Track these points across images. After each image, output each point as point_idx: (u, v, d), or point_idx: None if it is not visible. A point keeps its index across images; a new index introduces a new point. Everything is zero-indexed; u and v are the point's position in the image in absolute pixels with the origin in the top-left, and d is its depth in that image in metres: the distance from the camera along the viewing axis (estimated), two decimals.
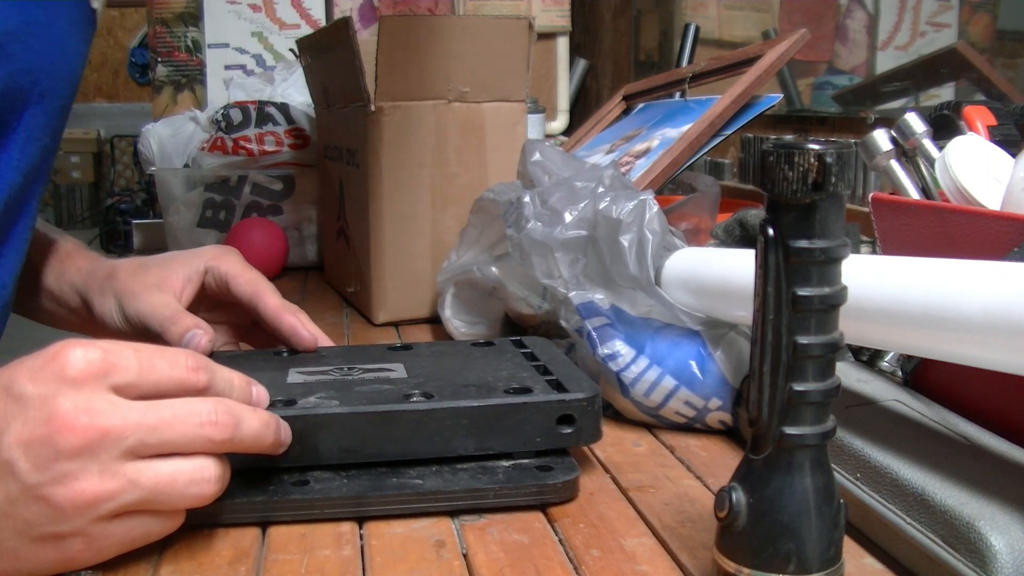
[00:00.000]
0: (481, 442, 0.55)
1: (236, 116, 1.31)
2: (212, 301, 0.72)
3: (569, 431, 0.56)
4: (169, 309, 0.67)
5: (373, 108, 0.95)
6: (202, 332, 0.65)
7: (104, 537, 0.45)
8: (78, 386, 0.44)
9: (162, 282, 0.68)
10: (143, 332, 0.67)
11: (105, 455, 0.43)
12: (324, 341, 0.69)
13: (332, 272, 1.22)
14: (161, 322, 0.66)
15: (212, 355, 0.65)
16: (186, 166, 1.35)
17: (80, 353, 0.44)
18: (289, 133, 1.32)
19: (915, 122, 0.68)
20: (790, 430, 0.40)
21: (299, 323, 0.68)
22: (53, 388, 0.43)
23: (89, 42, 0.62)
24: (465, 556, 0.48)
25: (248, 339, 0.76)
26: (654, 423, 0.67)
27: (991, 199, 0.61)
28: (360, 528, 0.51)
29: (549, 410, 0.55)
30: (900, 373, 0.65)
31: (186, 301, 0.69)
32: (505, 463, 0.55)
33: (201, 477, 0.46)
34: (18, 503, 0.43)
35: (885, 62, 1.30)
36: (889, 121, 0.74)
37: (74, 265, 0.72)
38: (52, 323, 0.75)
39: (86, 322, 0.72)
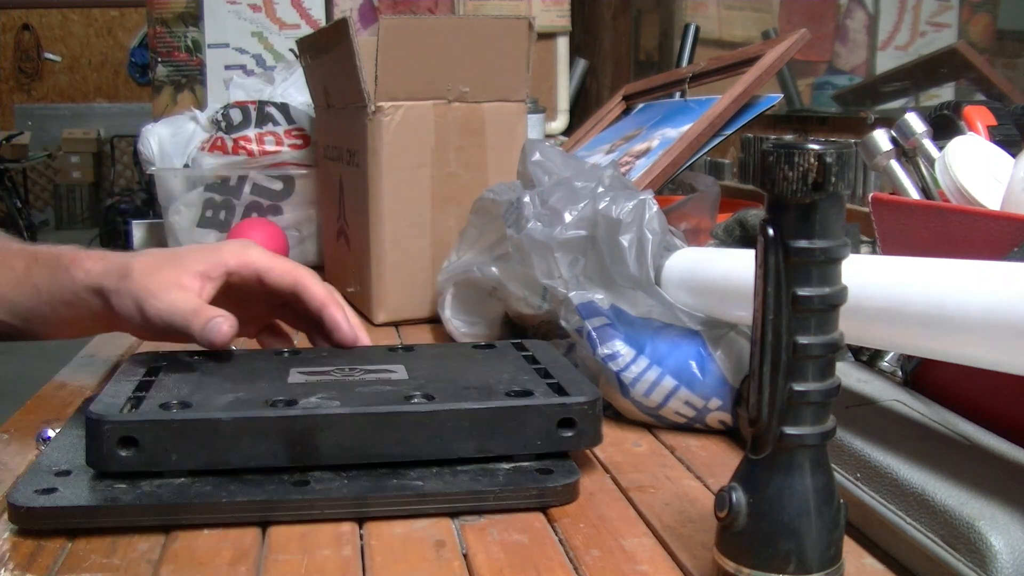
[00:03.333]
0: (481, 444, 0.55)
1: (236, 116, 1.31)
2: (236, 298, 0.71)
3: (570, 434, 0.56)
4: (191, 304, 0.66)
5: (373, 108, 0.95)
6: (223, 319, 0.65)
7: None
8: None
9: (179, 281, 0.67)
10: (165, 331, 0.67)
11: None
12: (364, 339, 0.70)
13: (332, 272, 1.22)
14: (184, 316, 0.66)
15: (213, 356, 0.65)
16: (186, 166, 1.35)
17: None
18: (289, 133, 1.32)
19: (915, 122, 0.68)
20: (790, 430, 0.40)
21: (343, 318, 0.69)
22: None
23: None
24: (465, 556, 0.48)
25: (263, 335, 0.77)
26: (654, 423, 0.67)
27: (991, 199, 0.61)
28: (360, 528, 0.51)
29: (550, 413, 0.55)
30: (900, 373, 0.65)
31: (206, 299, 0.68)
32: (505, 465, 0.55)
33: None
34: None
35: (885, 62, 1.30)
36: (889, 121, 0.74)
37: (83, 268, 0.69)
38: (76, 334, 0.74)
39: (109, 324, 0.71)
